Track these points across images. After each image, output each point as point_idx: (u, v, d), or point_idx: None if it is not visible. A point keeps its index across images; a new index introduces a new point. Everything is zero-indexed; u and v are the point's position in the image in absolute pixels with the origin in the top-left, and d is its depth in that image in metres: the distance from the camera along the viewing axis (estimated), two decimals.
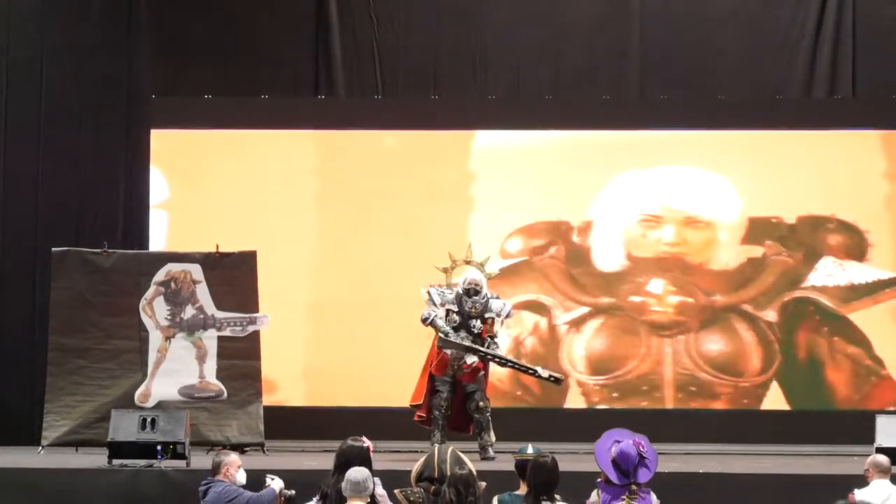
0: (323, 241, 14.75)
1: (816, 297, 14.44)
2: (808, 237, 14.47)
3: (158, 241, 14.62)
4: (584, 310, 14.52)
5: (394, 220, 14.58)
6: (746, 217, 14.49)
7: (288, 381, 14.45)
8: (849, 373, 14.43)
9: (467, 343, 11.79)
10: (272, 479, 8.63)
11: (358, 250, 14.59)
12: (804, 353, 14.49)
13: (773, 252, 14.45)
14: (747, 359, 14.46)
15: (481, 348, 11.80)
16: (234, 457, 8.70)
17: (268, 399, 13.17)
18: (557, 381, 12.18)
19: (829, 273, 14.41)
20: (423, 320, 11.91)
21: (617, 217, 14.59)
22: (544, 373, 12.07)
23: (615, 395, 14.43)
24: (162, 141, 14.74)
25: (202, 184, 14.70)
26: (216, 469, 8.54)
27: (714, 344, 14.45)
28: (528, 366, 12.41)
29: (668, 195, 14.57)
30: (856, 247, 14.42)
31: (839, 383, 14.43)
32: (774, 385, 14.44)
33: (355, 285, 14.51)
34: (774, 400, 14.44)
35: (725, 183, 14.52)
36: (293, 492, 8.48)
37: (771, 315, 14.44)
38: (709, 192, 14.55)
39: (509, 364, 12.25)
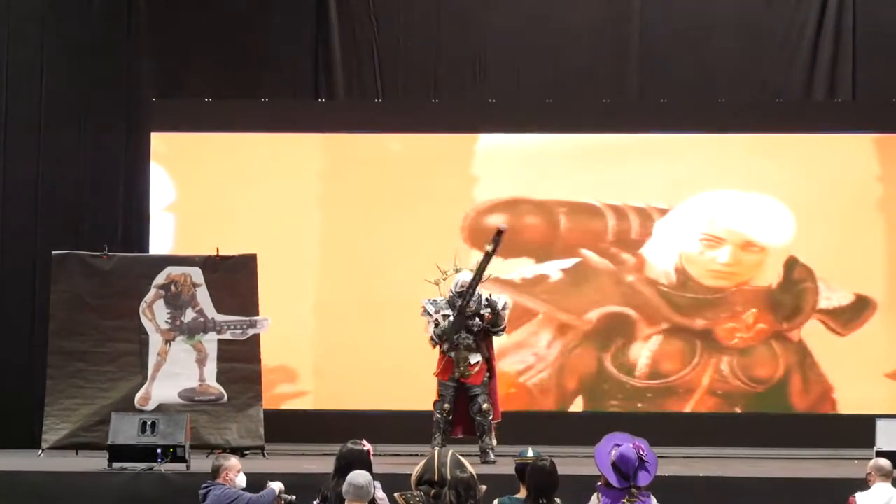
0: (326, 244, 14.72)
1: (824, 320, 14.47)
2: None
3: (166, 243, 14.59)
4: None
5: (396, 222, 14.55)
6: (792, 237, 14.51)
7: (289, 383, 14.43)
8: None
9: (454, 316, 11.73)
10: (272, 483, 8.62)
11: (361, 253, 14.56)
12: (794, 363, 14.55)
13: (801, 276, 14.49)
14: (777, 372, 14.48)
15: (463, 301, 11.70)
16: (233, 461, 8.66)
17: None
18: (500, 232, 11.70)
19: (827, 297, 14.47)
20: (433, 343, 11.92)
21: (674, 235, 14.61)
22: (491, 245, 11.67)
23: (649, 395, 14.46)
24: (166, 143, 14.72)
25: (208, 187, 14.65)
26: (216, 473, 8.51)
27: (754, 359, 14.43)
28: (484, 257, 11.82)
29: (718, 217, 14.59)
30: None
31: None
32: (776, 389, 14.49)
33: (358, 288, 14.49)
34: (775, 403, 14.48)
35: (779, 205, 14.50)
36: (293, 497, 8.47)
37: (795, 334, 14.47)
38: (762, 214, 14.53)
39: (480, 270, 11.77)
